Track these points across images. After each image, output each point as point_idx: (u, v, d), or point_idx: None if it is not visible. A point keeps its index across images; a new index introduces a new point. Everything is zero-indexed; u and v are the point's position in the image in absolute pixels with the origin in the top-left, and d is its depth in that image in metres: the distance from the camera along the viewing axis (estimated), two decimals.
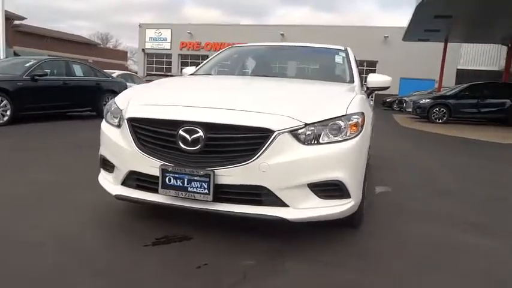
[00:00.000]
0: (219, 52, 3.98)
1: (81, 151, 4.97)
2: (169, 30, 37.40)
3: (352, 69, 3.39)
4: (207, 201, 2.08)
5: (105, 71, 11.29)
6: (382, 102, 24.46)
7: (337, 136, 2.16)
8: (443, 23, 15.33)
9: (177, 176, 2.09)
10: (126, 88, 11.12)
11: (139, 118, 2.23)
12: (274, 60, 3.88)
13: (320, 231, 2.49)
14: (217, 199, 2.07)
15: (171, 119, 2.13)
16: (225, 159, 2.06)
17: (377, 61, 29.85)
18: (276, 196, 2.07)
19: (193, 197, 2.09)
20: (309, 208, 2.12)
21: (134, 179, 2.29)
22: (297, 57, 3.85)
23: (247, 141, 2.05)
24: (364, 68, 30.08)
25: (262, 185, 2.05)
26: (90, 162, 3.41)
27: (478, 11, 13.25)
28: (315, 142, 2.12)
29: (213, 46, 36.16)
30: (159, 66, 38.31)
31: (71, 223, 2.52)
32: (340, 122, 2.18)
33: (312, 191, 2.11)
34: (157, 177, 2.14)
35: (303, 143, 2.09)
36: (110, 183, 2.45)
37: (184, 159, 2.10)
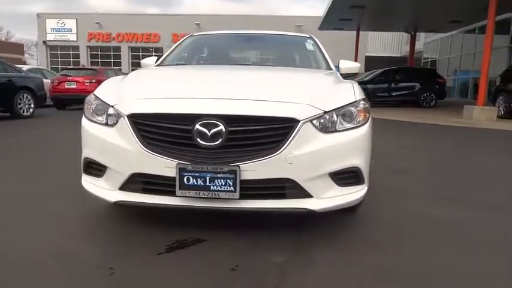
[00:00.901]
0: (181, 41, 3.74)
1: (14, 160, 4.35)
2: (74, 20, 34.46)
3: (325, 56, 3.43)
4: (233, 199, 1.94)
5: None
6: None
7: (349, 123, 2.15)
8: (356, 13, 16.34)
9: (197, 174, 1.91)
10: (43, 84, 10.02)
11: (144, 114, 1.99)
12: (248, 49, 3.75)
13: (324, 219, 2.48)
14: (242, 196, 1.94)
15: (186, 113, 1.93)
16: (249, 153, 1.93)
17: None
18: (302, 188, 2.00)
19: (217, 196, 1.93)
20: (331, 197, 2.09)
21: (139, 181, 2.05)
22: (269, 45, 3.75)
23: (272, 133, 1.94)
24: None
25: (289, 177, 1.97)
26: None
27: (387, 1, 14.33)
28: (333, 130, 2.09)
29: (125, 37, 34.24)
30: (65, 59, 35.18)
31: (64, 238, 2.18)
32: (352, 109, 2.17)
33: (332, 179, 2.09)
34: (172, 177, 1.94)
35: (323, 131, 2.05)
36: (103, 189, 2.16)
37: (203, 156, 1.93)
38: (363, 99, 2.28)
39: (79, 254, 2.00)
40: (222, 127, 1.90)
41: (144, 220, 2.46)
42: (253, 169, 1.92)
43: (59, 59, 35.15)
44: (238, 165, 1.90)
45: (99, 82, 12.11)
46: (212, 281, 1.75)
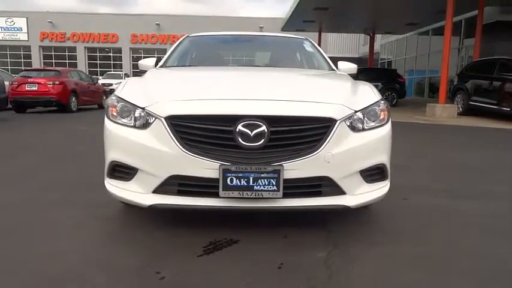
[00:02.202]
0: (179, 42, 3.68)
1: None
2: (25, 19, 32.70)
3: (325, 57, 3.54)
4: (276, 198, 1.97)
5: None
6: None
7: (374, 122, 2.25)
8: (319, 15, 16.75)
9: (240, 175, 1.92)
10: (4, 86, 9.44)
11: (184, 115, 1.97)
12: (252, 50, 3.76)
13: (341, 215, 2.56)
14: (285, 195, 1.98)
15: (228, 114, 1.94)
16: (290, 152, 1.98)
17: None
18: (337, 185, 2.07)
19: (260, 196, 1.95)
20: (362, 193, 2.18)
21: (175, 184, 2.03)
22: (271, 46, 3.80)
23: (312, 132, 2.00)
24: None
25: (327, 175, 2.03)
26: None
27: (349, 4, 14.81)
28: (361, 129, 2.17)
29: (81, 37, 32.97)
30: (14, 60, 33.27)
31: (92, 245, 2.11)
32: (376, 108, 2.27)
33: (362, 176, 2.18)
34: (214, 179, 1.94)
35: (353, 130, 2.13)
36: (133, 193, 2.12)
37: (246, 157, 1.94)
38: (382, 99, 2.39)
39: (115, 259, 1.95)
40: (264, 127, 1.93)
41: (170, 222, 2.43)
42: (295, 168, 1.97)
43: (8, 60, 33.16)
44: (281, 165, 1.94)
45: (63, 84, 11.69)
46: (264, 280, 1.78)
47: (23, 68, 29.06)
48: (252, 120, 1.93)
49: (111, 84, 24.40)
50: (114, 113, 2.23)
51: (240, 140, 1.93)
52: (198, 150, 1.95)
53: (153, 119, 2.05)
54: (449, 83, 12.33)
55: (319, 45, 16.89)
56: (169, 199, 2.04)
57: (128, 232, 2.33)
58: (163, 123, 1.99)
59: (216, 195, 1.96)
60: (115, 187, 2.21)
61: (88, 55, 33.80)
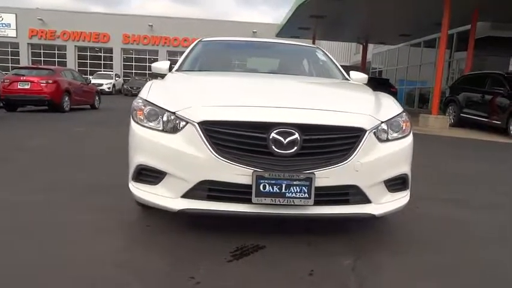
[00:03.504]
0: (193, 46, 3.68)
1: None
2: (14, 15, 32.20)
3: (338, 66, 3.59)
4: (307, 205, 2.00)
5: None
6: None
7: (397, 133, 2.30)
8: (315, 22, 16.94)
9: (273, 182, 1.94)
10: None
11: (218, 121, 1.98)
12: (267, 56, 3.79)
13: (356, 224, 2.60)
14: (315, 202, 2.01)
15: (262, 121, 1.96)
16: (322, 160, 2.01)
17: None
18: (364, 194, 2.11)
19: (292, 203, 1.97)
20: (386, 203, 2.22)
21: (205, 189, 2.03)
22: (285, 54, 3.83)
23: (342, 141, 2.04)
24: None
25: (355, 184, 2.07)
26: None
27: (345, 13, 15.02)
28: (386, 139, 2.22)
29: (72, 35, 32.58)
30: (2, 57, 32.67)
31: (119, 249, 2.10)
32: (399, 119, 2.33)
33: (386, 185, 2.22)
34: (246, 185, 1.96)
35: (380, 140, 2.18)
36: (162, 197, 2.11)
37: (278, 164, 1.97)
38: (404, 111, 2.45)
39: (146, 264, 1.94)
40: (297, 135, 1.95)
41: (191, 227, 2.43)
42: (326, 176, 2.00)
43: None
44: (313, 173, 1.97)
45: (56, 83, 11.52)
46: (298, 287, 1.80)
47: (10, 65, 28.57)
48: (285, 127, 1.95)
49: (101, 85, 24.18)
50: (141, 116, 2.23)
51: (273, 147, 1.95)
52: (230, 156, 1.97)
53: (184, 123, 2.06)
54: (441, 95, 12.57)
55: None
56: (199, 204, 2.04)
57: (151, 236, 2.32)
58: (196, 128, 1.99)
59: (247, 201, 1.98)
60: (141, 191, 2.20)
61: (78, 54, 33.42)
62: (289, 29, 18.81)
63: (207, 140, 1.98)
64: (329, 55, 3.79)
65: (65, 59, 32.91)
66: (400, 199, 2.31)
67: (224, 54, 3.78)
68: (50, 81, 11.42)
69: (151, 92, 2.36)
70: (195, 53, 3.60)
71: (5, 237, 2.24)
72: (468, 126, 11.03)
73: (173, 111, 2.11)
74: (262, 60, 3.74)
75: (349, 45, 31.26)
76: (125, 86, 26.37)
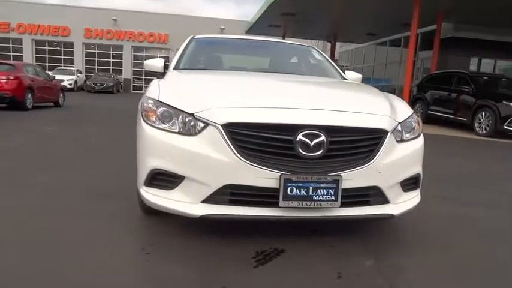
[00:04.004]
0: (187, 43, 3.55)
1: None
2: None
3: (335, 66, 3.60)
4: (334, 207, 1.98)
5: None
6: None
7: (409, 133, 2.33)
8: (285, 20, 17.02)
9: (300, 185, 1.91)
10: None
11: (243, 123, 1.91)
12: (265, 55, 3.71)
13: (361, 225, 2.63)
14: (342, 204, 1.99)
15: (289, 123, 1.92)
16: (347, 162, 1.99)
17: None
18: (384, 194, 2.12)
19: (318, 206, 1.95)
20: (402, 202, 2.25)
21: (227, 193, 1.97)
22: (281, 52, 3.78)
23: (367, 143, 2.04)
24: None
25: (377, 184, 2.08)
26: None
27: (315, 12, 15.19)
28: (401, 140, 2.24)
29: (28, 28, 30.84)
30: None
31: (138, 258, 1.99)
32: (411, 120, 2.36)
33: (401, 185, 2.25)
34: (273, 188, 1.91)
35: (397, 141, 2.20)
36: (180, 203, 2.02)
37: (304, 166, 1.93)
38: (414, 112, 2.49)
39: (171, 272, 1.85)
40: (323, 137, 1.93)
41: (205, 232, 2.34)
42: (351, 178, 1.99)
43: None
44: (340, 175, 1.95)
45: (18, 79, 10.87)
46: None
47: None
48: (312, 129, 1.92)
49: (62, 81, 23.07)
50: (153, 118, 2.13)
51: (299, 149, 1.91)
52: (255, 159, 1.91)
53: (203, 125, 1.98)
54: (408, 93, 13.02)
55: None
56: (222, 209, 1.97)
57: (168, 244, 2.21)
58: (220, 130, 1.92)
59: (274, 205, 1.93)
60: (155, 196, 2.10)
61: (36, 48, 31.72)
62: (260, 26, 18.81)
63: (231, 143, 1.91)
64: (324, 54, 3.79)
65: (21, 53, 31.15)
66: (414, 198, 2.35)
67: (222, 52, 3.69)
68: (11, 77, 10.74)
69: (163, 92, 2.25)
70: (191, 51, 3.48)
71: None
72: (435, 123, 11.48)
73: (191, 112, 2.02)
74: (262, 59, 3.67)
75: (316, 43, 31.69)
76: (88, 83, 25.36)
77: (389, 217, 2.17)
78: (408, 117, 2.33)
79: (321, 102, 2.21)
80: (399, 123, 2.22)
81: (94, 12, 31.16)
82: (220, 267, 1.93)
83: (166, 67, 3.29)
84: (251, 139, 1.92)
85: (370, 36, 19.95)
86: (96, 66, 31.66)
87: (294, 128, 1.92)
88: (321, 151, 1.93)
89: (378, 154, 2.04)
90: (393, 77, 19.50)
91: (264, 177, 1.91)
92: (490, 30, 14.41)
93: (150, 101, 2.21)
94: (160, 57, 3.30)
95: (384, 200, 2.15)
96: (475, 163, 5.72)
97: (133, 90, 31.08)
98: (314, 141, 1.92)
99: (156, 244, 2.19)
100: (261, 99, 2.17)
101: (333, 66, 3.59)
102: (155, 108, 2.15)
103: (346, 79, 3.40)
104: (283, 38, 21.14)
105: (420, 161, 2.36)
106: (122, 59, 31.60)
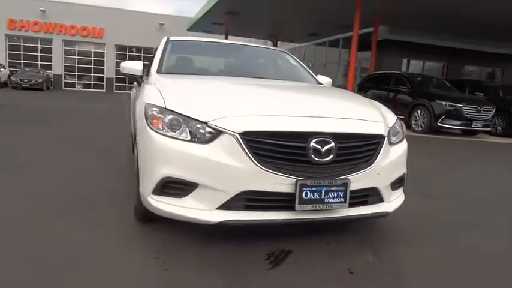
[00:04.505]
0: (163, 46, 3.46)
1: None
2: None
3: (309, 70, 3.77)
4: (342, 209, 2.13)
5: None
6: None
7: (395, 137, 2.55)
8: (229, 18, 17.06)
9: (314, 189, 2.03)
10: None
11: (260, 132, 1.99)
12: (243, 60, 3.73)
13: (352, 223, 2.81)
14: (349, 205, 2.15)
15: (302, 131, 2.03)
16: (353, 166, 2.15)
17: (154, 48, 29.89)
18: (380, 194, 2.32)
19: (330, 208, 2.09)
20: (393, 200, 2.47)
21: (243, 199, 2.03)
22: (259, 57, 3.85)
23: (368, 148, 2.22)
24: (142, 54, 29.60)
25: (376, 186, 2.26)
26: None
27: (258, 11, 15.42)
28: (391, 143, 2.45)
29: None
30: None
31: (156, 269, 1.97)
32: (397, 125, 2.58)
33: (390, 185, 2.46)
34: (288, 193, 2.02)
35: (389, 144, 2.40)
36: (194, 210, 2.05)
37: (317, 171, 2.06)
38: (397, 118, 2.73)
39: (194, 282, 1.88)
40: (333, 144, 2.06)
41: (209, 238, 2.37)
42: (356, 180, 2.15)
43: None
44: (347, 178, 2.10)
45: None
46: (349, 285, 1.93)
47: None
48: (323, 137, 2.05)
49: None
50: (160, 126, 2.12)
51: (312, 155, 2.03)
52: (271, 165, 2.00)
53: (216, 133, 2.02)
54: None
55: None
56: (239, 215, 2.03)
57: (179, 252, 2.20)
58: (237, 138, 1.97)
59: (290, 209, 2.04)
60: (166, 204, 2.10)
61: None
62: (203, 23, 18.65)
63: (248, 151, 1.97)
64: (296, 59, 3.94)
65: None
66: (401, 196, 2.59)
67: (204, 55, 3.71)
68: None
69: (168, 98, 2.23)
70: (171, 55, 3.44)
71: None
72: None
73: (204, 121, 2.05)
74: (244, 63, 3.70)
75: (257, 42, 32.10)
76: (13, 78, 23.32)
77: (385, 215, 2.37)
78: (395, 123, 2.55)
79: (326, 110, 2.36)
80: (390, 128, 2.42)
81: (19, 2, 28.60)
82: (240, 274, 1.97)
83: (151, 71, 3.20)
84: (267, 146, 2.00)
85: (312, 37, 20.66)
86: (22, 61, 29.19)
87: (307, 136, 2.03)
88: (331, 156, 2.07)
89: (377, 157, 2.22)
90: (332, 76, 20.37)
91: (281, 183, 2.00)
92: (420, 33, 15.69)
93: (155, 108, 2.19)
94: (131, 57, 3.11)
95: (380, 199, 2.35)
96: (412, 158, 6.27)
97: (65, 87, 29.15)
98: (325, 148, 2.05)
99: (168, 254, 2.18)
100: (273, 108, 2.26)
101: (307, 70, 3.75)
102: (161, 116, 2.14)
103: (320, 83, 3.58)
104: (226, 37, 21.20)
105: (405, 162, 2.60)
106: (51, 53, 29.44)
